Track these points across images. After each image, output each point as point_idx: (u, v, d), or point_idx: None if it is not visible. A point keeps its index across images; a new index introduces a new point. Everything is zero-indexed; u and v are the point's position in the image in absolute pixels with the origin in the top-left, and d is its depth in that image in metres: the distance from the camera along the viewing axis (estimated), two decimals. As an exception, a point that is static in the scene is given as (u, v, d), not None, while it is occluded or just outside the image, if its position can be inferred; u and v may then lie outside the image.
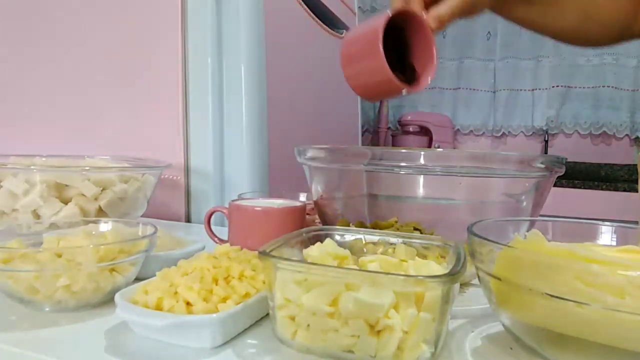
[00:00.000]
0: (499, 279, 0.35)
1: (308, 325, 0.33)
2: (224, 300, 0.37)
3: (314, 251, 0.39)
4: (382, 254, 0.42)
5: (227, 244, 0.47)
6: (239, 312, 0.36)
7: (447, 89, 2.45)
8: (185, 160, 0.92)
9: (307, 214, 0.64)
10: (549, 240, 0.38)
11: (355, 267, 0.38)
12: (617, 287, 0.28)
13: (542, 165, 0.48)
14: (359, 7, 1.87)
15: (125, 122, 0.96)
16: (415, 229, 0.49)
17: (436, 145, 2.30)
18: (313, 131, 1.28)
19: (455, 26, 2.40)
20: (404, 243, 0.42)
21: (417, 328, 0.31)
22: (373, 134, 2.57)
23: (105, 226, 0.51)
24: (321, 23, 1.31)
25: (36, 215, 0.63)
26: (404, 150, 0.48)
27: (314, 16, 1.25)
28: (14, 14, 1.05)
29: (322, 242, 0.42)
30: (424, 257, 0.41)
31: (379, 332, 0.32)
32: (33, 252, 0.41)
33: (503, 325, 0.38)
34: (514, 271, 0.33)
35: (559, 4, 0.54)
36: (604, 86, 2.21)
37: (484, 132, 2.44)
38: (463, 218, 0.51)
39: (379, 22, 0.49)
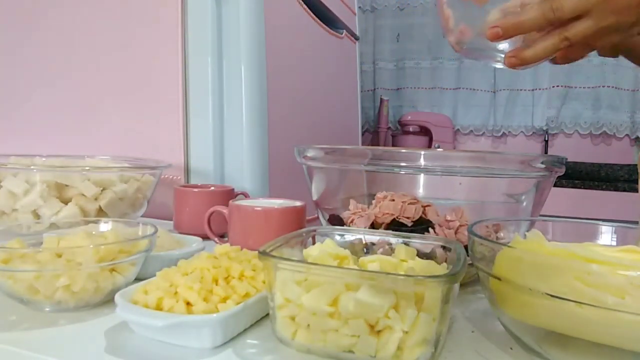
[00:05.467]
0: (499, 279, 0.35)
1: (308, 325, 0.33)
2: (224, 300, 0.37)
3: (314, 251, 0.39)
4: (382, 254, 0.42)
5: (227, 244, 0.47)
6: (239, 312, 0.36)
7: (447, 89, 2.45)
8: (185, 160, 0.92)
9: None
10: (549, 240, 0.38)
11: (355, 267, 0.38)
12: (617, 287, 0.28)
13: (542, 165, 0.48)
14: (359, 7, 1.87)
15: (125, 122, 0.96)
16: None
17: (436, 145, 2.30)
18: (313, 131, 1.28)
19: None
20: (404, 243, 0.42)
21: (417, 328, 0.31)
22: (373, 134, 2.58)
23: (105, 226, 0.51)
24: (321, 23, 1.31)
25: (36, 215, 0.63)
26: (404, 150, 0.48)
27: (314, 16, 1.25)
28: (14, 14, 1.05)
29: (322, 242, 0.42)
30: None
31: (379, 332, 0.32)
32: (33, 252, 0.41)
33: (503, 325, 0.38)
34: (514, 271, 0.33)
35: None
36: (604, 86, 2.22)
37: (484, 132, 2.44)
38: (463, 218, 0.51)
39: None
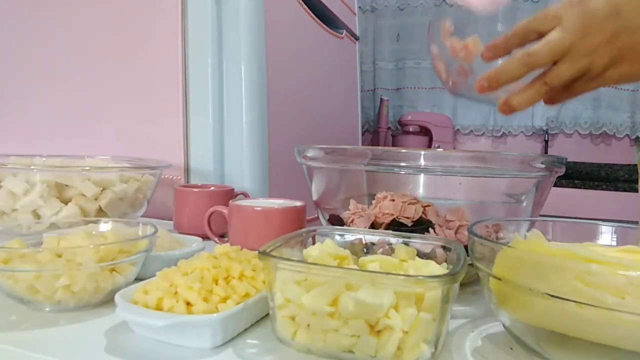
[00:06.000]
0: (499, 279, 0.35)
1: (308, 325, 0.33)
2: (224, 300, 0.37)
3: (314, 251, 0.39)
4: (382, 254, 0.42)
5: (227, 244, 0.47)
6: (239, 312, 0.36)
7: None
8: (185, 160, 0.92)
9: None
10: (549, 240, 0.38)
11: (355, 267, 0.38)
12: (617, 287, 0.28)
13: (542, 165, 0.48)
14: (359, 7, 1.87)
15: (125, 122, 0.96)
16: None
17: (436, 145, 2.30)
18: (313, 131, 1.28)
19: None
20: (404, 243, 0.42)
21: (417, 328, 0.31)
22: (373, 134, 2.57)
23: (105, 226, 0.51)
24: (321, 23, 1.31)
25: (36, 215, 0.63)
26: (404, 150, 0.48)
27: (314, 16, 1.25)
28: (14, 14, 1.05)
29: (322, 242, 0.42)
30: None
31: (379, 332, 0.32)
32: (33, 252, 0.41)
33: (503, 325, 0.38)
34: (514, 271, 0.33)
35: None
36: (604, 86, 2.21)
37: (484, 132, 2.44)
38: (463, 218, 0.51)
39: None
